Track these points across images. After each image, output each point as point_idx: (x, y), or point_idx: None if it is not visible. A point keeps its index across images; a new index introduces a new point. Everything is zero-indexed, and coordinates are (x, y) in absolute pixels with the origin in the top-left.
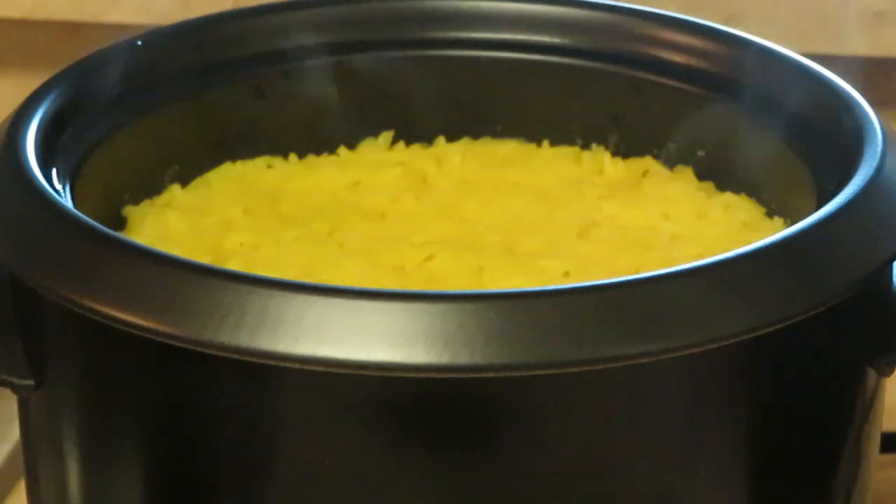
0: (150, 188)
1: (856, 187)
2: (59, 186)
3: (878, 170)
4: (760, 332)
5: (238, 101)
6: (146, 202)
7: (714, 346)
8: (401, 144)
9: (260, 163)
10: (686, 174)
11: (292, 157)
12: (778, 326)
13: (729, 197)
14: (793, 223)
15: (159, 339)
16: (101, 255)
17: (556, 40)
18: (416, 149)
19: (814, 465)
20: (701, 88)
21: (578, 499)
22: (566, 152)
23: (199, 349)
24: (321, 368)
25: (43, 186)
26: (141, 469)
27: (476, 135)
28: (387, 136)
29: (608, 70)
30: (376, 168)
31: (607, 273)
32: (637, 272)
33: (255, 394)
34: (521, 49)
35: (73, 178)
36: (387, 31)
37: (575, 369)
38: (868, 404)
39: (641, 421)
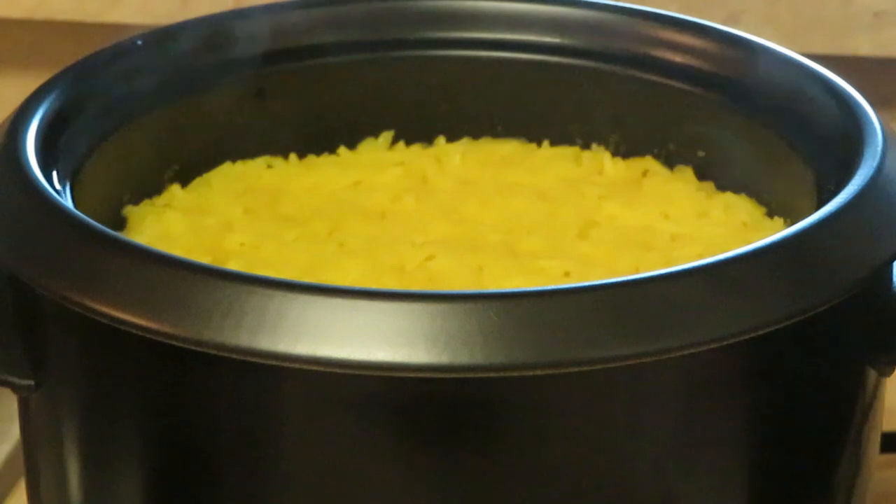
0: (150, 188)
1: (856, 187)
2: (59, 186)
3: (878, 170)
4: (761, 332)
5: (238, 101)
6: (146, 202)
7: (714, 346)
8: (401, 144)
9: (260, 163)
10: (686, 174)
11: (292, 157)
12: (778, 326)
13: (729, 197)
14: (793, 223)
15: (159, 339)
16: (101, 255)
17: (556, 40)
18: (416, 149)
19: (814, 465)
20: (701, 88)
21: (578, 498)
22: (566, 152)
23: (199, 349)
24: (321, 368)
25: (43, 186)
26: (141, 469)
27: (476, 135)
28: (387, 136)
29: (608, 70)
30: (376, 168)
31: (607, 273)
32: (637, 272)
33: (255, 394)
34: (521, 49)
35: (73, 178)
36: (387, 31)
37: (575, 369)
38: (868, 404)
39: (641, 421)
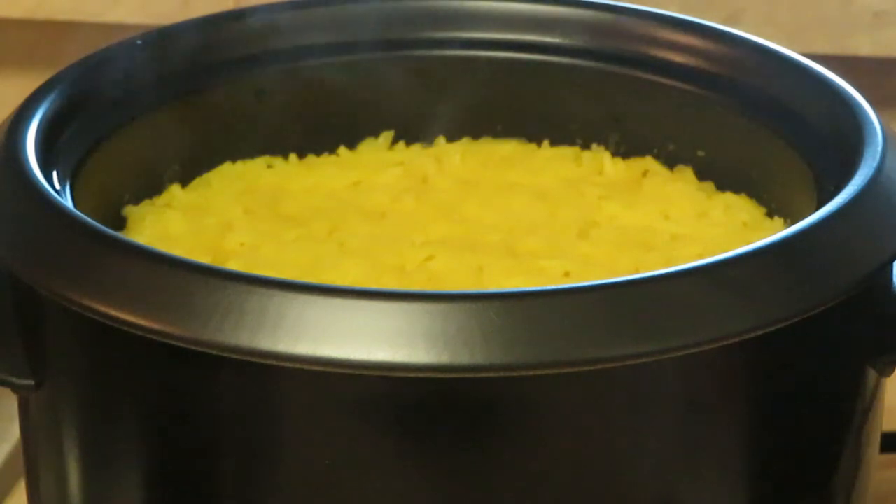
0: (150, 188)
1: (856, 187)
2: (59, 186)
3: (878, 170)
4: (760, 332)
5: (238, 101)
6: (146, 202)
7: (714, 346)
8: (401, 144)
9: (260, 163)
10: (686, 174)
11: (292, 157)
12: (778, 326)
13: (729, 197)
14: (793, 223)
15: (159, 339)
16: (101, 255)
17: (556, 40)
18: (416, 149)
19: (814, 465)
20: (701, 88)
21: (578, 498)
22: (566, 152)
23: (199, 349)
24: (321, 368)
25: (43, 186)
26: (141, 469)
27: (476, 135)
28: (387, 136)
29: (608, 70)
30: (376, 168)
31: (607, 273)
32: (637, 272)
33: (255, 393)
34: (521, 49)
35: (73, 178)
36: (387, 31)
37: (575, 369)
38: (868, 404)
39: (641, 421)
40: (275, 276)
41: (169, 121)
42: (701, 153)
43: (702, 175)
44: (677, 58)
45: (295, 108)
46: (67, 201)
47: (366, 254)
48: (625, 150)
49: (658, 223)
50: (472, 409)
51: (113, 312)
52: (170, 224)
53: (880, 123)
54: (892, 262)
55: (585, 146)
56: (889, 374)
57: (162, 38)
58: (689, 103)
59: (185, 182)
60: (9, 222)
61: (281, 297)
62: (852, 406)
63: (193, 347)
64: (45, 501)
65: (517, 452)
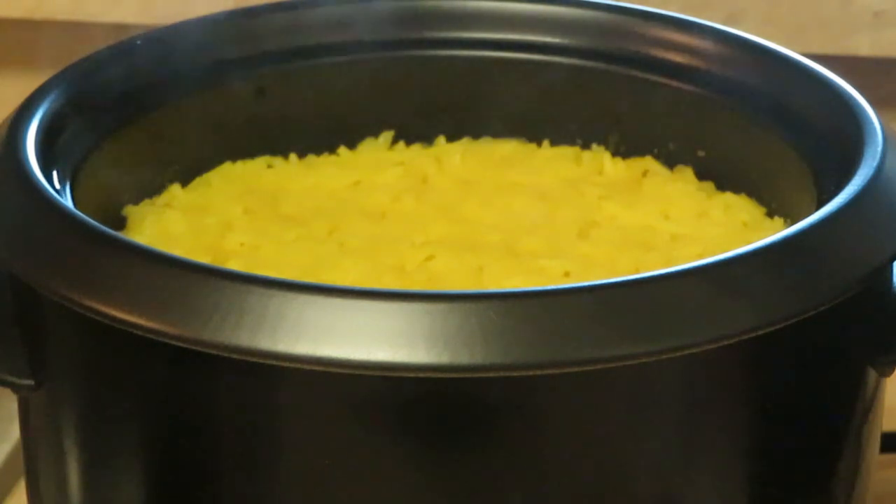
0: (150, 188)
1: (856, 187)
2: (59, 186)
3: (878, 170)
4: (761, 332)
5: (238, 101)
6: (146, 202)
7: (714, 346)
8: (401, 144)
9: (260, 163)
10: (686, 174)
11: (292, 157)
12: (778, 326)
13: (729, 197)
14: (793, 223)
15: (159, 339)
16: (101, 255)
17: (556, 40)
18: (416, 149)
19: (814, 465)
20: (701, 88)
21: (578, 498)
22: (566, 152)
23: (199, 349)
24: (321, 368)
25: (43, 186)
26: (141, 469)
27: (476, 135)
28: (387, 136)
29: (608, 70)
30: (376, 168)
31: (607, 273)
32: (637, 272)
33: (255, 394)
34: (521, 49)
35: (73, 178)
36: (387, 31)
37: (575, 369)
38: (868, 404)
39: (641, 421)
40: (275, 276)
41: (169, 121)
42: (701, 153)
43: (702, 175)
44: (677, 58)
45: (295, 108)
46: (67, 201)
47: (366, 254)
48: (625, 150)
49: (658, 223)
50: (472, 409)
51: (113, 312)
52: (170, 224)
53: (880, 123)
54: (892, 262)
55: (585, 146)
56: (889, 374)
57: (162, 38)
58: (689, 103)
59: (185, 182)
60: (9, 222)
61: (281, 297)
62: (852, 406)
63: (193, 347)
64: (45, 501)
65: (517, 452)
